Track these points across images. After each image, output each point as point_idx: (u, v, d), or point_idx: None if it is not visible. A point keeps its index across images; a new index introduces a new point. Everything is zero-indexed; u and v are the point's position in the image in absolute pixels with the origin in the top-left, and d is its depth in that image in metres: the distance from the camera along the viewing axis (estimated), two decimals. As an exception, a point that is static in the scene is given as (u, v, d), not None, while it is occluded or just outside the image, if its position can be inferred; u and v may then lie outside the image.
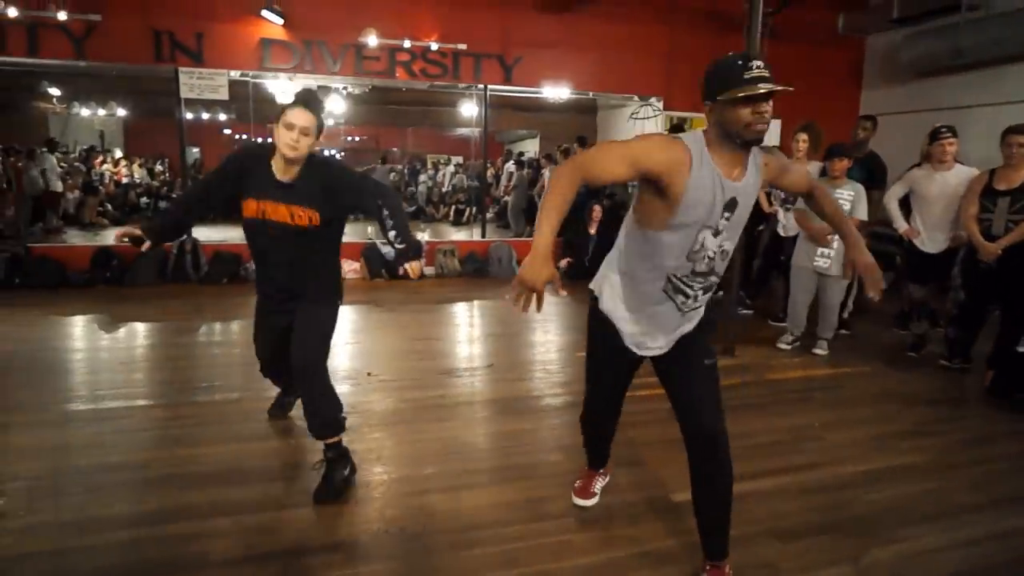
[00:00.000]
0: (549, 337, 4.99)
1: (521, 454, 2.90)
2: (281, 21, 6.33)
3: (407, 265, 2.39)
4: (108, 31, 5.99)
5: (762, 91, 1.58)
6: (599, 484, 2.50)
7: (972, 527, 2.33)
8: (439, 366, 4.15)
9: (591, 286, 2.07)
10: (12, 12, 5.64)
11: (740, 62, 1.63)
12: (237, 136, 15.55)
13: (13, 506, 2.32)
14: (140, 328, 4.93)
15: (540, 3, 7.07)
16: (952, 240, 4.18)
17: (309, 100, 2.34)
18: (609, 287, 1.96)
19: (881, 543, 2.21)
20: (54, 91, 11.73)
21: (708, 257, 1.79)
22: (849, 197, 4.24)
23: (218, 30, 6.29)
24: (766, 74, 1.62)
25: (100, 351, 4.35)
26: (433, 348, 4.63)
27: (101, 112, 13.80)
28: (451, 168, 16.13)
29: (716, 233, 1.76)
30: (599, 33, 7.27)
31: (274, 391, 3.16)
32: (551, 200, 1.60)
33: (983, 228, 3.82)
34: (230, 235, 6.85)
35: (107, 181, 12.42)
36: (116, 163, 13.69)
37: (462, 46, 6.93)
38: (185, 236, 6.58)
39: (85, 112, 13.60)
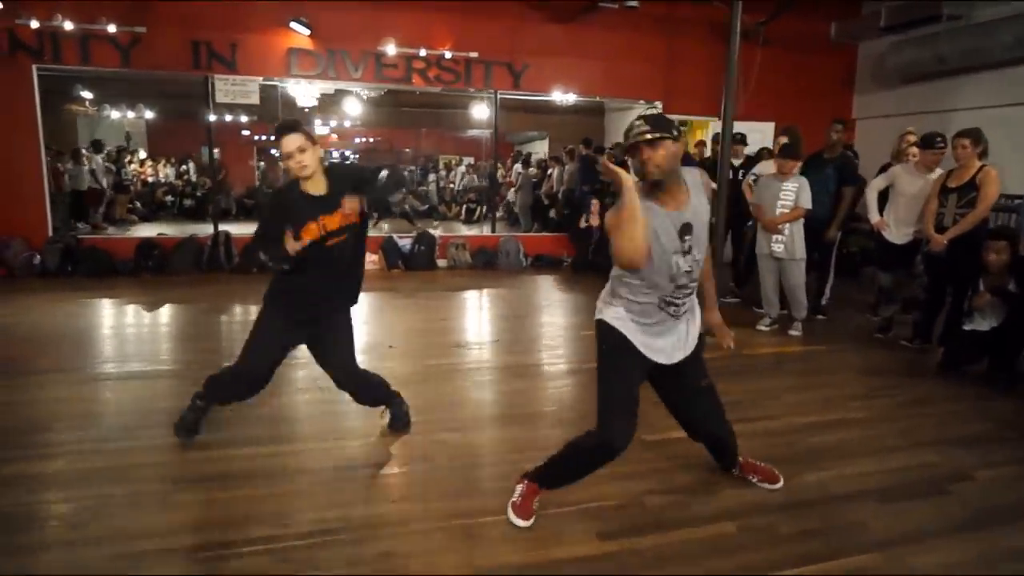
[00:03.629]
0: (554, 319, 5.52)
1: (519, 406, 3.42)
2: (308, 32, 6.89)
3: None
4: (151, 42, 6.59)
5: (631, 141, 1.99)
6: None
7: (888, 461, 2.81)
8: (451, 340, 4.68)
9: (596, 315, 2.26)
10: (68, 25, 6.25)
11: (632, 124, 2.02)
12: (256, 137, 16.25)
13: (129, 430, 2.89)
14: (178, 309, 5.50)
15: (546, 14, 7.60)
16: (917, 232, 4.63)
17: (288, 125, 2.51)
18: (613, 309, 2.20)
19: (811, 470, 2.70)
20: (86, 95, 12.37)
21: (685, 272, 2.11)
22: (794, 188, 4.73)
23: (250, 40, 6.87)
24: (643, 129, 1.97)
25: (137, 327, 4.94)
26: (446, 326, 5.16)
27: (130, 115, 14.51)
28: (462, 168, 16.68)
29: (685, 253, 2.09)
30: (601, 41, 7.78)
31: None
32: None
33: (937, 221, 4.28)
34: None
35: (134, 180, 13.06)
36: (142, 163, 14.35)
37: (474, 54, 7.48)
38: (219, 231, 7.20)
39: (115, 115, 14.31)
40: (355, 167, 2.74)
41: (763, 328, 5.05)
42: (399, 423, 3.02)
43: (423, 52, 7.30)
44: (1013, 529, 2.31)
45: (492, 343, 4.67)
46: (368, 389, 2.91)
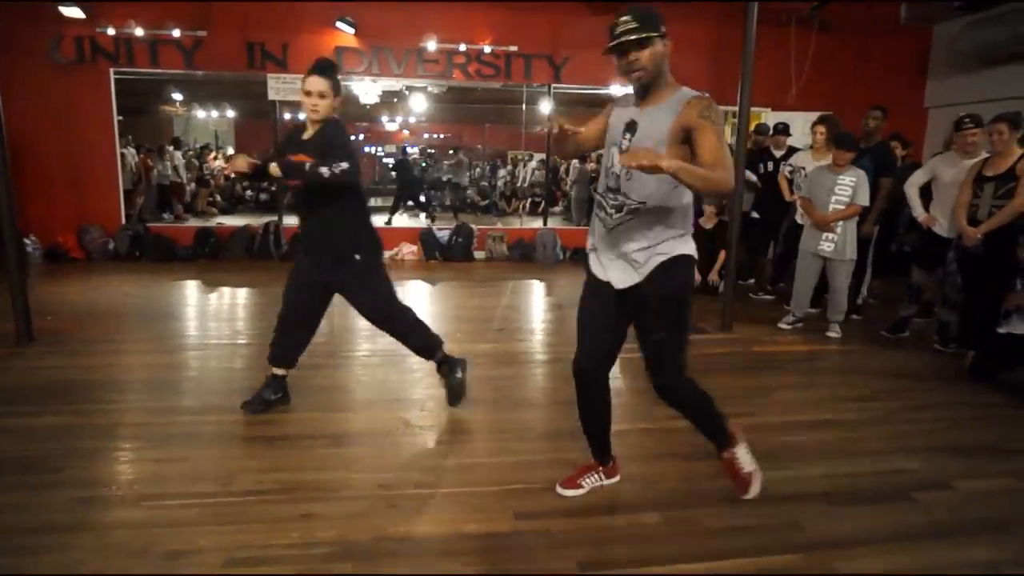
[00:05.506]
0: (569, 311, 5.51)
1: (498, 391, 3.47)
2: (353, 30, 7.19)
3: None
4: (212, 44, 7.09)
5: (612, 43, 1.86)
6: (591, 479, 2.38)
7: (860, 465, 2.64)
8: (461, 328, 4.78)
9: None
10: (139, 32, 6.85)
11: (614, 21, 1.91)
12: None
13: (137, 395, 3.21)
14: (230, 291, 5.93)
15: (587, 7, 7.52)
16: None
17: (323, 67, 2.67)
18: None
19: (768, 469, 2.56)
20: (177, 96, 13.45)
21: (615, 174, 2.01)
22: (851, 183, 4.43)
23: (300, 40, 7.24)
24: (630, 26, 1.84)
25: (198, 306, 5.36)
26: (463, 315, 5.27)
27: (214, 114, 15.64)
28: (533, 164, 16.75)
29: (621, 151, 1.98)
30: (645, 32, 7.60)
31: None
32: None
33: (970, 213, 3.94)
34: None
35: (216, 175, 14.02)
36: (227, 159, 15.41)
37: (513, 48, 7.53)
38: (269, 219, 7.66)
39: (201, 114, 15.48)
40: (340, 140, 2.70)
41: (784, 327, 4.82)
42: (452, 397, 3.13)
43: (463, 47, 7.43)
44: (968, 542, 2.12)
45: (499, 331, 4.73)
46: (409, 337, 3.05)
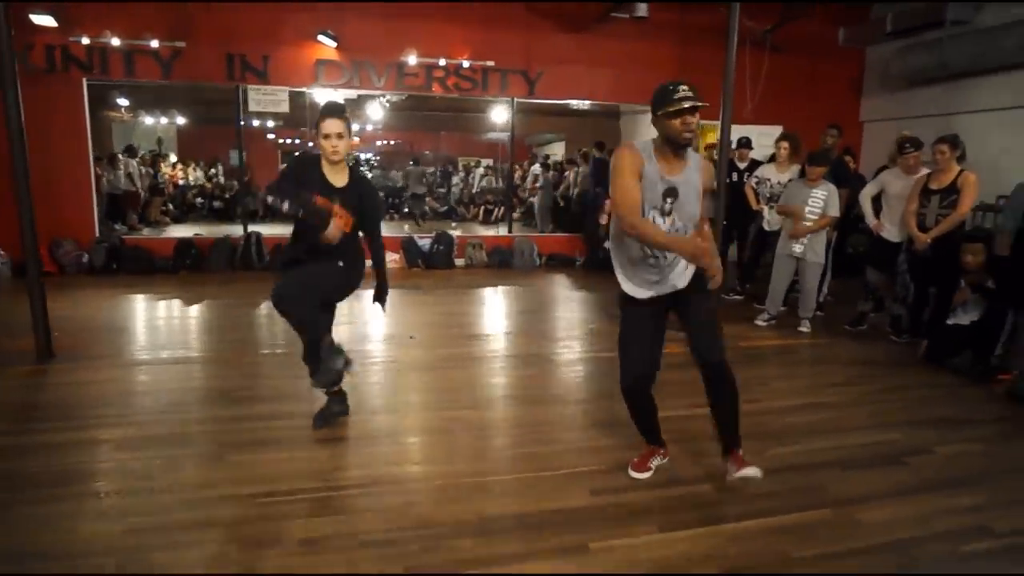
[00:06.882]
0: (563, 314, 5.88)
1: (528, 389, 3.80)
2: (334, 44, 7.33)
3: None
4: (190, 55, 7.07)
5: (686, 106, 2.19)
6: (656, 461, 2.73)
7: (853, 438, 3.14)
8: (467, 332, 5.07)
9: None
10: (115, 42, 6.76)
11: (671, 87, 2.22)
12: (282, 140, 16.86)
13: (189, 405, 3.33)
14: (212, 304, 5.97)
15: (560, 25, 7.96)
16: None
17: (336, 109, 2.82)
18: (621, 276, 2.51)
19: (780, 445, 3.04)
20: (123, 102, 12.99)
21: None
22: (822, 196, 4.99)
23: (281, 53, 7.33)
24: (690, 95, 2.17)
25: (179, 319, 5.41)
26: (462, 320, 5.55)
27: (163, 120, 15.18)
28: (480, 170, 17.08)
29: (664, 214, 2.35)
30: (613, 49, 8.11)
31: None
32: (657, 240, 2.26)
33: (919, 221, 4.58)
34: (288, 231, 7.92)
35: (165, 183, 13.62)
36: (173, 167, 14.96)
37: (490, 63, 7.86)
38: (250, 231, 7.68)
39: (149, 121, 15.00)
40: (375, 192, 3.12)
41: (760, 324, 5.36)
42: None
43: (442, 62, 7.70)
44: (955, 493, 2.63)
45: (505, 335, 5.05)
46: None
